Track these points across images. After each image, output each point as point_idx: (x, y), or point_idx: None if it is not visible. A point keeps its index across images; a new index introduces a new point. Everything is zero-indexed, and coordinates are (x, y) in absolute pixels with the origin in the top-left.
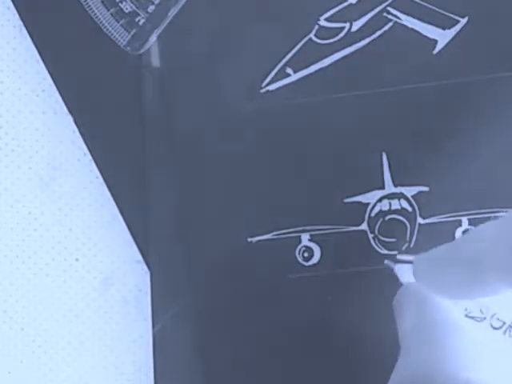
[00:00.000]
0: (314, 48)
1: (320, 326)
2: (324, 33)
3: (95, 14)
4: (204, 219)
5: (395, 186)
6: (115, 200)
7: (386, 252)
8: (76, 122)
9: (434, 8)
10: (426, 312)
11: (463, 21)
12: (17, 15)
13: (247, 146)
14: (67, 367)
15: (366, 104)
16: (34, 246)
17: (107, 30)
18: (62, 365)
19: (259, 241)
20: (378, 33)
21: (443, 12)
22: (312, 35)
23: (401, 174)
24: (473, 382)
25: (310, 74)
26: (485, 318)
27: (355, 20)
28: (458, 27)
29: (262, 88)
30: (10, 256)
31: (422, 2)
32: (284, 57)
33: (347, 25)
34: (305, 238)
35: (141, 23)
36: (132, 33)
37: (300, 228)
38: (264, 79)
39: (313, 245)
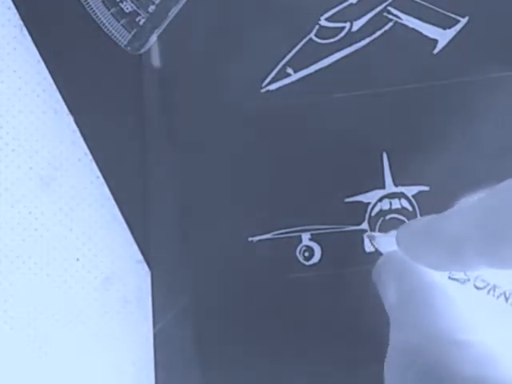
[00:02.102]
0: (314, 48)
1: (320, 325)
2: (324, 32)
3: (95, 14)
4: (204, 219)
5: (396, 185)
6: (115, 200)
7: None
8: (76, 122)
9: (434, 8)
10: (410, 278)
11: (463, 20)
12: (17, 15)
13: (247, 145)
14: (68, 367)
15: (366, 104)
16: (35, 246)
17: (108, 29)
18: (63, 365)
19: (260, 240)
20: (379, 33)
21: (443, 12)
22: (312, 35)
23: (401, 173)
24: (475, 344)
25: (311, 74)
26: (468, 280)
27: (356, 20)
28: (458, 27)
29: (262, 88)
30: (11, 256)
31: (422, 2)
32: (284, 57)
33: (348, 25)
34: (305, 237)
35: (141, 23)
36: (132, 33)
37: (300, 227)
38: (264, 79)
39: (313, 244)
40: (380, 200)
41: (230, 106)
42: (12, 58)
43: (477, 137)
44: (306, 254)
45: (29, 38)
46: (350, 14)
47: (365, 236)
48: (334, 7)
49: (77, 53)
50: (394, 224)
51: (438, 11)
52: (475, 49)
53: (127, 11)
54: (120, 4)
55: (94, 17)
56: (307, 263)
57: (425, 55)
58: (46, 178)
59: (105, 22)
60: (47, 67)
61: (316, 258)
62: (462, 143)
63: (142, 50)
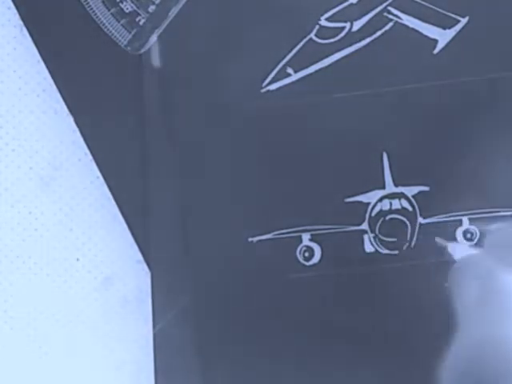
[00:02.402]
0: (314, 48)
1: (320, 325)
2: (325, 32)
3: (96, 14)
4: (204, 219)
5: (396, 185)
6: (115, 200)
7: (386, 252)
8: (76, 122)
9: (434, 8)
10: (495, 284)
11: (464, 21)
12: (17, 15)
13: (247, 145)
14: (68, 367)
15: (366, 104)
16: (35, 246)
17: (108, 29)
18: (63, 365)
19: (260, 240)
20: (379, 33)
21: (444, 12)
22: (313, 35)
23: (401, 173)
24: None
25: (311, 74)
26: None
27: (356, 20)
28: (458, 27)
29: (262, 88)
30: (11, 256)
31: (422, 2)
32: (285, 57)
33: (348, 25)
34: (305, 237)
35: (141, 23)
36: (133, 33)
37: (301, 228)
38: (265, 79)
39: (313, 245)
40: (380, 200)
41: (230, 105)
42: (12, 58)
43: (478, 137)
44: (306, 255)
45: (29, 38)
46: (350, 14)
47: (437, 241)
48: (334, 7)
49: (77, 53)
50: (394, 224)
51: (438, 11)
52: (475, 49)
53: (127, 11)
54: (120, 4)
55: (94, 17)
56: (307, 263)
57: (425, 55)
58: (46, 178)
59: (105, 22)
60: (47, 67)
61: (316, 259)
62: (463, 143)
63: (142, 50)
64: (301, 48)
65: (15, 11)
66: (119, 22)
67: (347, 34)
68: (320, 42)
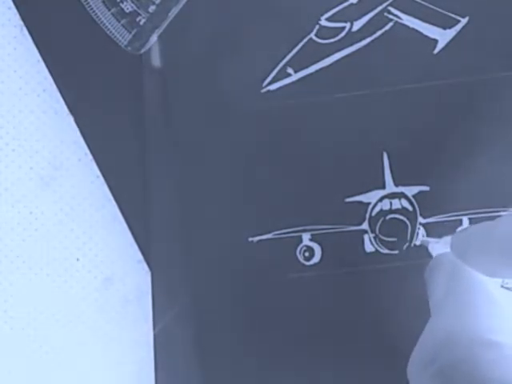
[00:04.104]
0: (314, 48)
1: (320, 325)
2: (325, 32)
3: (96, 14)
4: (204, 219)
5: (396, 185)
6: (116, 200)
7: (386, 251)
8: (76, 122)
9: (434, 8)
10: (459, 278)
11: (464, 21)
12: (17, 15)
13: (247, 145)
14: (68, 367)
15: (366, 104)
16: (35, 246)
17: (108, 29)
18: (63, 365)
19: (260, 240)
20: (379, 32)
21: (444, 12)
22: (313, 35)
23: (401, 173)
24: (495, 343)
25: (311, 74)
26: None
27: (356, 20)
28: (458, 27)
29: (262, 88)
30: (11, 256)
31: (422, 2)
32: (285, 56)
33: (348, 24)
34: (306, 237)
35: (141, 23)
36: (133, 33)
37: (301, 228)
38: (265, 79)
39: (314, 244)
40: (380, 200)
41: (230, 106)
42: (12, 57)
43: (478, 137)
44: (307, 254)
45: (29, 38)
46: (350, 14)
47: (418, 240)
48: (334, 7)
49: (77, 53)
50: (395, 224)
51: (438, 11)
52: (475, 49)
53: (127, 11)
54: (120, 4)
55: (95, 17)
56: (307, 263)
57: (425, 55)
58: (46, 177)
59: (105, 22)
60: (47, 67)
61: (316, 258)
62: (463, 143)
63: (143, 50)
64: (301, 48)
65: (15, 11)
66: (119, 21)
67: (347, 33)
68: (320, 41)
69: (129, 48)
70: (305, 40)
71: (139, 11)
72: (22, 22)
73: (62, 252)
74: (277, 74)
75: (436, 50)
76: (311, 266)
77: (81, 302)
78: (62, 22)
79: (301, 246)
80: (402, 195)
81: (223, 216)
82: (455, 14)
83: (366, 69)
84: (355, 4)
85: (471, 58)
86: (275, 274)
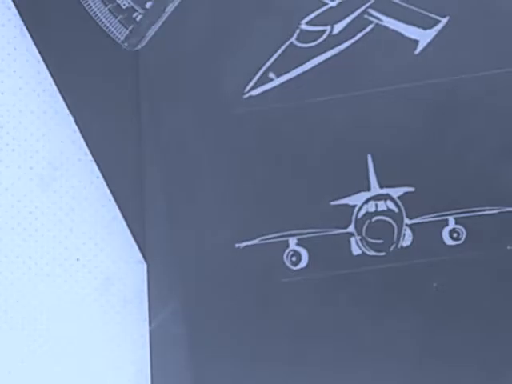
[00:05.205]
0: (295, 52)
1: (309, 327)
2: (305, 36)
3: (93, 10)
4: (194, 224)
5: (381, 187)
6: (115, 200)
7: (373, 254)
8: (76, 122)
9: (414, 9)
10: None
11: (444, 20)
12: (17, 15)
13: (232, 151)
14: (68, 367)
15: (349, 106)
16: (35, 246)
17: (105, 26)
18: (63, 364)
19: (246, 246)
20: (360, 35)
21: (424, 12)
22: (293, 39)
23: (386, 175)
24: None
25: (293, 78)
26: None
27: (336, 23)
28: (438, 27)
29: (244, 93)
30: (11, 256)
31: (402, 3)
32: (266, 61)
33: (328, 28)
34: (292, 242)
35: (138, 19)
36: (130, 28)
37: (287, 232)
38: (247, 84)
39: (300, 249)
40: (366, 202)
41: (215, 111)
42: (12, 57)
43: (461, 136)
44: (294, 259)
45: (29, 38)
46: (330, 18)
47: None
48: (314, 11)
49: (77, 53)
50: (381, 226)
51: (418, 12)
52: (456, 48)
53: (124, 7)
54: (117, 0)
55: (91, 13)
56: (295, 268)
57: (406, 56)
58: (46, 178)
59: (102, 18)
60: (47, 67)
61: (304, 263)
62: (447, 143)
63: (139, 46)
64: (282, 52)
65: (15, 11)
66: (116, 17)
67: (328, 37)
68: (301, 45)
69: (125, 44)
70: (286, 44)
71: (136, 7)
72: (21, 22)
73: (62, 252)
74: (259, 79)
75: (417, 51)
76: (299, 270)
77: (81, 301)
78: (62, 22)
79: (288, 250)
80: (387, 197)
81: (211, 222)
82: (435, 15)
83: (348, 71)
84: (335, 7)
85: (452, 58)
86: (263, 280)
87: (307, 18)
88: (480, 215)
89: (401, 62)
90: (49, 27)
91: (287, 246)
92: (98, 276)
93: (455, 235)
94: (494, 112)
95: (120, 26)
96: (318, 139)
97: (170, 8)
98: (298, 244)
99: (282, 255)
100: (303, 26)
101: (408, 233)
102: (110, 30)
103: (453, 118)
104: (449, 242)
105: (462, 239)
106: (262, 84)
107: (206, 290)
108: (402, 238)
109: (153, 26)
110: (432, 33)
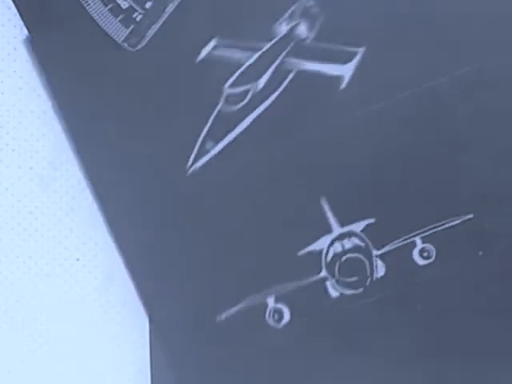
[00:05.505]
0: (227, 116)
1: (304, 376)
2: (232, 99)
3: (93, 11)
4: (173, 304)
5: (342, 226)
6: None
7: (351, 292)
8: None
9: (329, 46)
10: None
11: (361, 50)
12: (17, 15)
13: (195, 224)
14: (68, 367)
15: (291, 154)
16: (35, 246)
17: (105, 26)
18: (63, 365)
19: (227, 317)
20: (284, 85)
21: (340, 47)
22: (221, 105)
23: (344, 212)
24: None
25: (231, 143)
26: None
27: (258, 79)
28: (357, 58)
29: (188, 169)
30: (11, 256)
31: (316, 44)
32: (201, 132)
33: (252, 85)
34: (270, 300)
35: (138, 19)
36: (130, 29)
37: (263, 292)
38: (188, 160)
39: (280, 305)
40: (331, 244)
41: (163, 192)
42: (12, 57)
43: (406, 156)
44: (276, 317)
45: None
46: (251, 75)
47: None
48: (234, 73)
49: (77, 53)
50: (351, 263)
51: (334, 48)
52: (380, 74)
53: (124, 7)
54: (117, 0)
55: (92, 13)
56: (279, 326)
57: (333, 93)
58: (46, 177)
59: (102, 18)
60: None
61: (286, 318)
62: (393, 167)
63: (139, 47)
64: (214, 120)
65: (15, 11)
66: (116, 17)
67: (254, 94)
68: (230, 109)
69: (125, 44)
70: (215, 111)
71: (136, 7)
72: (21, 22)
73: (62, 252)
74: (198, 152)
75: (342, 86)
76: (283, 327)
77: (81, 301)
78: (62, 22)
79: (268, 309)
80: (350, 234)
81: (189, 298)
82: (351, 47)
83: (281, 122)
84: (253, 64)
85: (378, 84)
86: (250, 345)
87: (229, 81)
88: (444, 229)
89: (330, 101)
90: (49, 27)
91: (267, 306)
92: (98, 276)
93: (425, 254)
94: (431, 126)
95: (120, 25)
96: (268, 194)
97: (170, 8)
98: (276, 301)
99: (264, 316)
100: (228, 90)
101: (380, 263)
102: (109, 30)
103: (393, 140)
104: (421, 262)
105: (433, 256)
106: (203, 155)
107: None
108: (375, 270)
109: (153, 26)
110: (352, 65)
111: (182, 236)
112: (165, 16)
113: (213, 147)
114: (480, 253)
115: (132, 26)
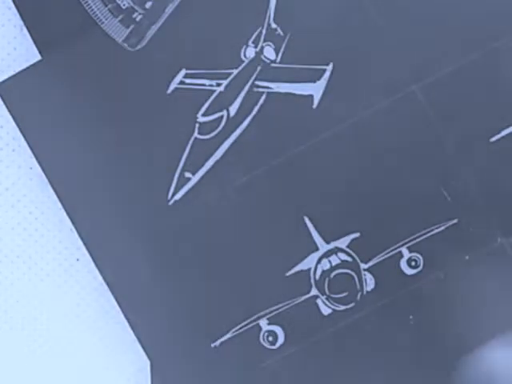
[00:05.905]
0: (202, 145)
1: None
2: (206, 128)
3: (93, 11)
4: (166, 333)
5: (327, 242)
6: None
7: (343, 308)
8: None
9: (297, 66)
10: None
11: (329, 67)
12: (17, 15)
13: (180, 255)
14: (68, 367)
15: (268, 180)
16: (35, 246)
17: (105, 25)
18: (63, 365)
19: (222, 343)
20: (256, 108)
21: (307, 66)
22: (196, 134)
23: (328, 229)
24: None
25: (209, 171)
26: None
27: (230, 105)
28: (326, 75)
29: (169, 200)
30: (11, 256)
31: (284, 66)
32: (178, 164)
33: (225, 112)
34: (263, 323)
35: (138, 19)
36: (130, 29)
37: (256, 316)
38: (168, 191)
39: (274, 327)
40: (319, 262)
41: (145, 226)
42: (12, 57)
43: (385, 168)
44: (271, 339)
45: (29, 38)
46: (223, 102)
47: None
48: (205, 101)
49: (77, 52)
50: (341, 279)
51: (302, 68)
52: (351, 88)
53: (124, 7)
54: (117, 0)
55: (91, 13)
56: (274, 347)
57: (306, 112)
58: (46, 177)
59: (102, 18)
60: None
61: (281, 340)
62: (374, 180)
63: (139, 47)
64: (190, 150)
65: (15, 11)
66: (116, 18)
67: (227, 120)
68: (205, 137)
69: (125, 44)
70: (191, 141)
71: (136, 7)
72: (21, 22)
73: (62, 252)
74: (177, 183)
75: (315, 104)
76: (278, 348)
77: (81, 301)
78: (62, 22)
79: (262, 332)
80: (337, 250)
81: (181, 327)
82: (319, 65)
83: (258, 146)
84: (224, 91)
85: (350, 98)
86: (246, 368)
87: (202, 110)
88: (429, 237)
89: (303, 121)
90: (49, 27)
91: (260, 329)
92: (98, 276)
93: (413, 263)
94: (408, 135)
95: (120, 25)
96: (250, 218)
97: (170, 8)
98: (269, 323)
99: (258, 339)
100: (200, 119)
101: (369, 277)
102: (109, 30)
103: (371, 153)
104: (409, 271)
105: (421, 265)
106: (182, 186)
107: None
108: (364, 284)
109: (153, 26)
110: (322, 83)
111: (170, 270)
112: (165, 16)
113: (191, 178)
114: (467, 257)
115: (132, 26)
